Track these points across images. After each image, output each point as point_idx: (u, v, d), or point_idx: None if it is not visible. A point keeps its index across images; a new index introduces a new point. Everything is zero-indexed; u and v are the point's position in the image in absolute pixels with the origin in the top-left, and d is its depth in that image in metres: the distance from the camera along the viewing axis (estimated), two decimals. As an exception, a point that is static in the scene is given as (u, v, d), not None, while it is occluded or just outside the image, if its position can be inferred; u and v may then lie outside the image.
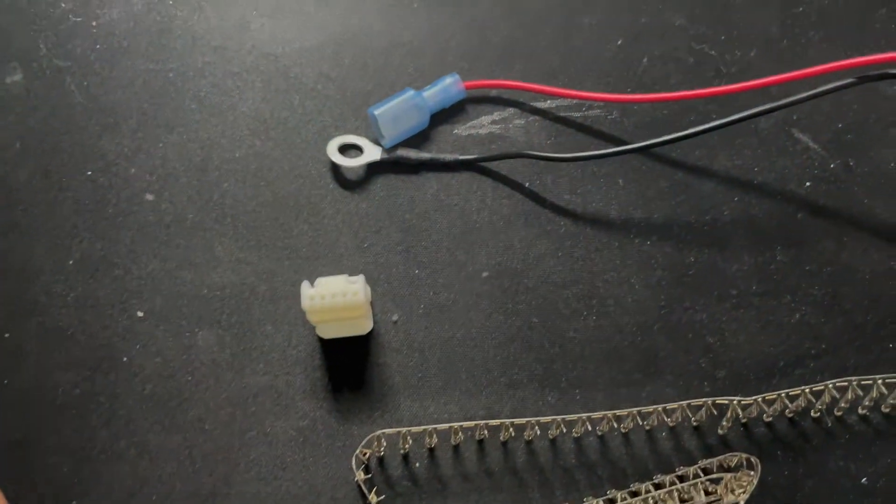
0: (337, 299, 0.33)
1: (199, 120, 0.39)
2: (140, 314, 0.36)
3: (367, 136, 0.39)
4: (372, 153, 0.39)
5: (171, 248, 0.37)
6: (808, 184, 0.39)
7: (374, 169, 0.39)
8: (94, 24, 0.41)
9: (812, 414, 0.35)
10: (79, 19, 0.41)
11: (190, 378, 0.36)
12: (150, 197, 0.38)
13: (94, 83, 0.40)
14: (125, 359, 0.36)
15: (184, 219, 0.38)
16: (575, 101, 0.40)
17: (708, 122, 0.37)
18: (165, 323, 0.36)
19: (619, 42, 0.41)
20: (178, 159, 0.39)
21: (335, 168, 0.39)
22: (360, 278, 0.33)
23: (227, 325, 0.36)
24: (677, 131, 0.37)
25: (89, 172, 0.38)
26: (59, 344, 0.36)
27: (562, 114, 0.40)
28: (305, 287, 0.33)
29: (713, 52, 0.41)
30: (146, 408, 0.35)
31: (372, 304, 0.37)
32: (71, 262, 0.37)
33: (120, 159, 0.39)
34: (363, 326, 0.36)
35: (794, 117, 0.40)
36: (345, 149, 0.39)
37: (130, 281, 0.37)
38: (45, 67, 0.40)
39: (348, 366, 0.36)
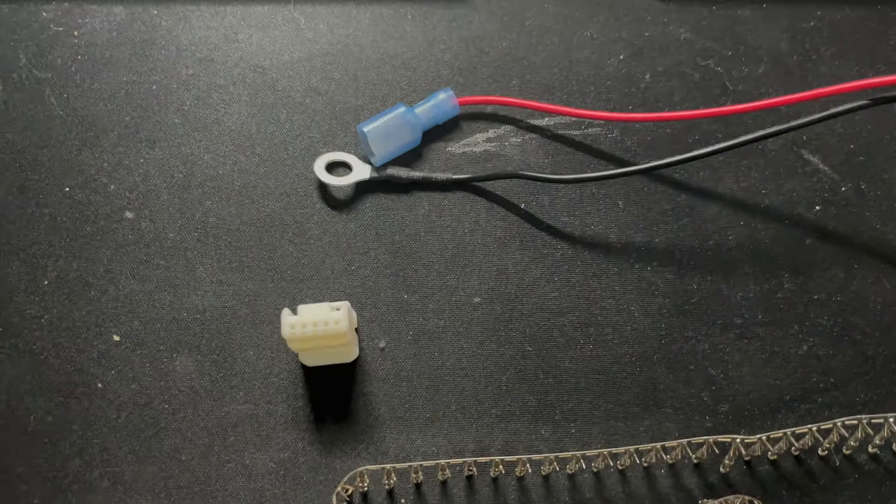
0: (319, 328, 0.31)
1: (183, 134, 0.38)
2: (116, 338, 0.35)
3: (356, 154, 0.37)
4: (361, 172, 0.37)
5: (150, 269, 0.36)
6: (817, 208, 0.37)
7: (363, 188, 0.37)
8: (75, 34, 0.39)
9: (819, 452, 0.34)
10: (60, 29, 0.39)
11: (167, 406, 0.34)
12: (129, 215, 0.37)
13: (74, 95, 0.38)
14: (100, 385, 0.34)
15: (164, 238, 0.36)
16: (574, 119, 0.38)
17: (713, 140, 0.36)
18: (142, 347, 0.35)
19: (622, 57, 0.39)
20: (159, 175, 0.37)
21: (322, 187, 0.37)
22: (344, 305, 0.32)
23: (206, 350, 0.35)
24: (681, 150, 0.35)
25: (67, 188, 0.37)
26: (31, 368, 0.34)
27: (560, 132, 0.38)
28: (286, 315, 0.31)
29: (719, 69, 0.39)
30: (121, 436, 0.34)
31: (358, 330, 0.35)
32: (46, 283, 0.36)
33: (99, 175, 0.37)
34: (348, 354, 0.34)
35: (804, 138, 0.38)
36: (333, 167, 0.37)
37: (107, 303, 0.35)
38: (24, 79, 0.39)
39: (332, 395, 0.34)
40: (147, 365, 0.35)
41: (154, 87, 0.39)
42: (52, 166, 0.37)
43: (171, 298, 0.35)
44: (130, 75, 0.39)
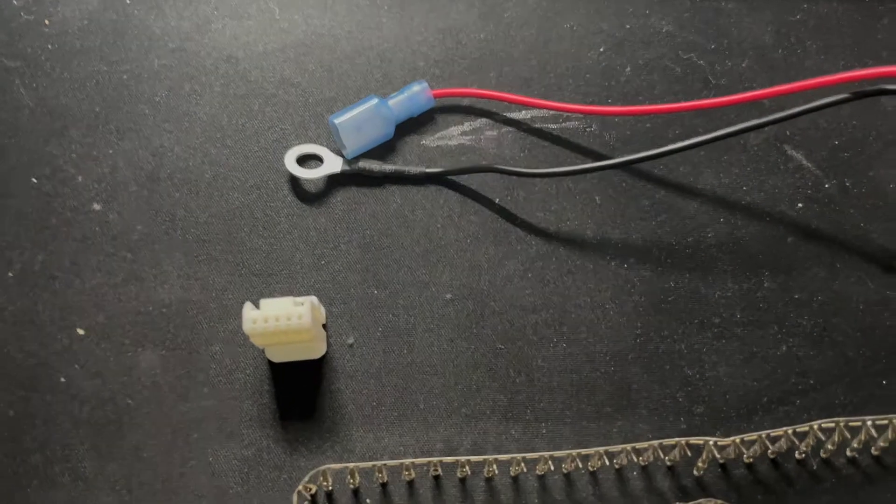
0: (281, 323, 0.30)
1: (153, 125, 0.37)
2: (81, 332, 0.34)
3: (328, 146, 0.37)
4: (332, 164, 0.36)
5: (116, 262, 0.35)
6: (799, 205, 0.36)
7: (334, 181, 0.37)
8: (46, 22, 0.39)
9: (796, 455, 0.33)
10: (30, 17, 0.39)
11: (130, 401, 0.34)
12: (97, 206, 0.36)
13: (43, 85, 0.38)
14: (63, 379, 0.34)
15: (131, 230, 0.36)
16: (551, 113, 0.38)
17: (694, 135, 0.34)
18: (107, 341, 0.34)
19: (601, 49, 0.38)
20: (128, 167, 0.37)
21: (294, 180, 0.37)
22: (308, 300, 0.31)
23: (171, 345, 0.34)
24: (661, 146, 0.35)
25: (34, 179, 0.36)
26: (-6, 361, 0.34)
27: (537, 125, 0.38)
28: (248, 309, 0.30)
29: (702, 62, 0.38)
30: (83, 432, 0.33)
31: (326, 325, 0.35)
32: (10, 275, 0.35)
33: (67, 166, 0.37)
34: (315, 350, 0.34)
35: (787, 133, 0.37)
36: (304, 159, 0.37)
37: (72, 296, 0.35)
38: (-7, 67, 0.38)
39: (299, 392, 0.34)
40: (111, 359, 0.34)
41: (125, 77, 0.38)
42: (19, 156, 0.37)
43: (137, 292, 0.35)
44: (101, 65, 0.38)
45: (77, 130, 0.37)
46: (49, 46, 0.38)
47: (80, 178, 0.36)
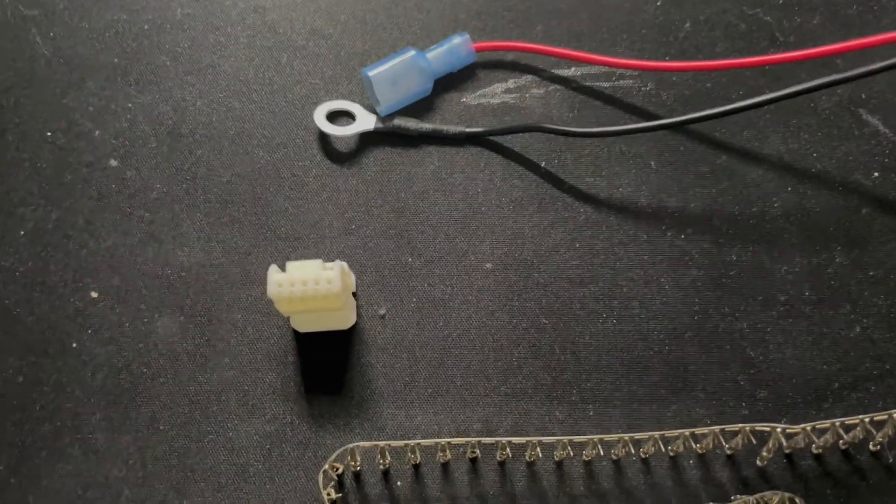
0: (309, 288, 0.28)
1: (174, 78, 0.35)
2: (94, 294, 0.32)
3: (360, 103, 0.34)
4: (365, 122, 0.34)
5: (133, 222, 0.33)
6: (875, 174, 0.33)
7: (367, 140, 0.34)
8: (64, -33, 0.36)
9: (871, 447, 0.30)
10: (48, -38, 0.36)
11: (145, 370, 0.31)
12: (114, 163, 0.34)
13: (61, 35, 0.36)
14: (75, 344, 0.32)
15: (150, 189, 0.33)
16: (603, 70, 0.35)
17: (759, 95, 0.31)
18: (122, 305, 0.32)
19: (658, 3, 0.35)
20: (147, 122, 0.34)
21: (323, 137, 0.34)
22: (338, 264, 0.28)
23: (191, 311, 0.32)
24: (722, 106, 0.31)
25: (49, 133, 0.34)
26: (2, 324, 0.32)
27: (587, 83, 0.35)
28: (273, 272, 0.28)
29: (768, 18, 0.35)
30: (95, 401, 0.31)
31: (357, 294, 0.32)
32: (22, 233, 0.33)
33: (84, 119, 0.34)
34: (344, 320, 0.31)
35: (863, 96, 0.34)
36: (335, 116, 0.34)
37: (86, 257, 0.33)
38: (9, 16, 0.36)
39: (326, 364, 0.31)
40: (126, 325, 0.32)
41: (146, 27, 0.36)
42: (35, 109, 0.35)
43: (155, 254, 0.33)
44: (121, 13, 0.36)
45: (95, 82, 0.35)
46: (67, -7, 0.36)
47: (96, 133, 0.34)
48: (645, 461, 0.30)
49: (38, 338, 0.32)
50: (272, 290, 0.28)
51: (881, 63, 0.30)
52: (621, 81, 0.35)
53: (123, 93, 0.35)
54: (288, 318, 0.31)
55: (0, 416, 0.31)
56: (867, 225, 0.33)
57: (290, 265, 0.28)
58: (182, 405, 0.31)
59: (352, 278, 0.32)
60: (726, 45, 0.35)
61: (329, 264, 0.28)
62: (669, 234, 0.33)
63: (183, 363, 0.31)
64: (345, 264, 0.30)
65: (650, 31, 0.35)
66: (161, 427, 0.31)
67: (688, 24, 0.35)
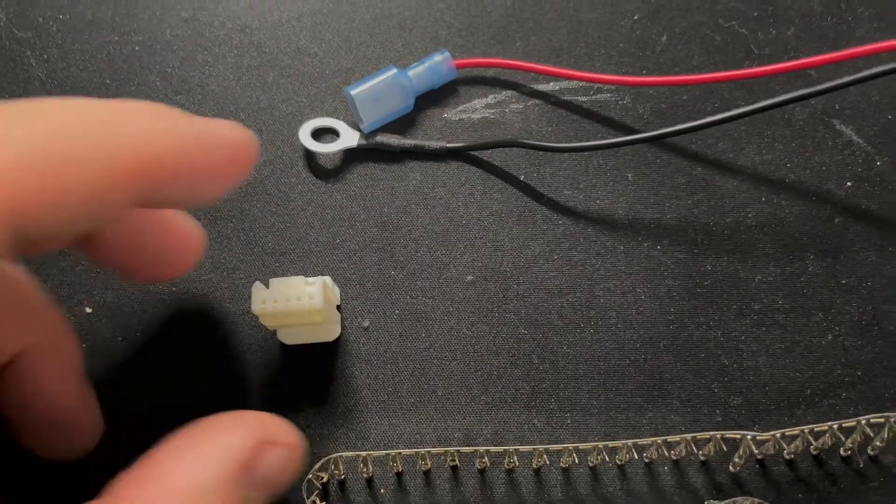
0: (292, 303, 0.29)
1: (164, 97, 0.36)
2: (89, 310, 0.33)
3: (344, 120, 0.35)
4: (349, 138, 0.35)
5: (125, 239, 0.34)
6: (848, 184, 0.34)
7: (350, 156, 0.35)
8: (57, -9, 0.37)
9: (841, 452, 0.30)
10: (41, -14, 0.37)
11: (138, 384, 0.32)
12: (106, 181, 0.35)
13: (54, 56, 0.37)
14: (70, 359, 0.33)
15: (141, 206, 0.34)
16: (581, 84, 0.35)
17: (735, 108, 0.32)
18: (115, 321, 0.33)
19: (636, 17, 0.36)
20: (138, 141, 0.35)
21: (308, 154, 0.35)
22: (320, 280, 0.29)
23: (180, 326, 0.33)
24: (698, 119, 0.32)
25: (43, 153, 0.35)
26: None
27: (566, 98, 0.35)
28: (257, 289, 0.29)
29: (744, 31, 0.36)
30: (89, 414, 0.32)
31: (341, 307, 0.33)
32: (18, 251, 0.34)
33: (77, 139, 0.35)
34: (329, 332, 0.32)
35: (836, 106, 0.35)
36: (320, 133, 0.35)
37: (81, 273, 0.34)
38: (4, 39, 0.37)
39: (312, 376, 0.32)
40: (119, 339, 0.33)
41: (137, 48, 0.37)
42: (29, 130, 0.36)
43: (147, 270, 0.34)
44: (112, 35, 0.37)
45: (87, 103, 0.36)
46: (60, 17, 0.37)
47: (89, 152, 0.35)
48: (621, 468, 0.31)
49: (35, 352, 0.33)
50: (256, 306, 0.29)
51: (854, 76, 0.31)
52: (599, 95, 0.35)
53: (115, 113, 0.36)
54: (274, 332, 0.32)
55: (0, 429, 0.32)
56: (840, 234, 0.33)
57: (273, 282, 0.29)
58: (172, 417, 0.32)
59: (336, 292, 0.33)
60: (702, 58, 0.36)
61: (311, 279, 0.29)
62: (646, 244, 0.33)
63: (173, 376, 0.32)
64: (328, 279, 0.31)
65: (627, 45, 0.36)
66: (151, 438, 0.32)
67: (664, 38, 0.36)
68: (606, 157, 0.34)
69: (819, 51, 0.35)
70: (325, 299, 0.29)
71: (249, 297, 0.32)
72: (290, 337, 0.32)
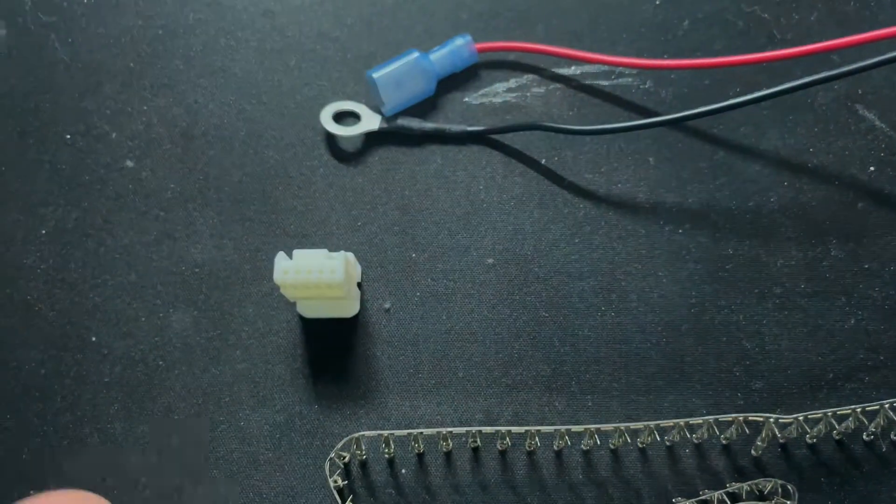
0: (313, 275, 0.29)
1: (187, 81, 0.36)
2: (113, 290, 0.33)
3: (366, 103, 0.35)
4: (370, 122, 0.35)
5: (149, 220, 0.34)
6: (871, 168, 0.34)
7: (372, 139, 0.35)
8: (81, -25, 0.38)
9: (864, 437, 0.30)
10: (66, -29, 0.38)
11: (161, 363, 0.33)
12: (130, 164, 0.35)
13: (79, 40, 0.37)
14: (94, 338, 0.33)
15: (164, 188, 0.35)
16: (603, 68, 0.35)
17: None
18: (139, 301, 0.33)
19: (657, 2, 0.36)
20: (162, 124, 0.36)
21: (330, 137, 0.35)
22: (342, 255, 0.29)
23: (204, 306, 0.33)
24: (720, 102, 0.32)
25: (68, 136, 0.36)
26: (25, 319, 0.33)
27: (587, 82, 0.35)
28: (280, 259, 0.29)
29: (766, 15, 0.36)
30: (113, 392, 0.32)
31: (363, 287, 0.33)
32: (44, 232, 0.34)
33: (101, 122, 0.36)
34: (348, 308, 0.32)
35: (859, 91, 0.35)
36: (341, 116, 0.35)
37: (104, 254, 0.34)
38: (29, 23, 0.37)
39: (333, 356, 0.32)
40: (142, 319, 0.33)
41: (160, 32, 0.37)
42: (54, 113, 0.36)
43: (170, 251, 0.34)
44: (136, 20, 0.37)
45: (111, 86, 0.36)
46: (85, 1, 0.37)
47: (113, 135, 0.35)
48: (642, 450, 0.31)
49: (59, 332, 0.33)
50: (278, 276, 0.29)
51: (877, 58, 0.31)
52: (620, 80, 0.35)
53: (139, 96, 0.36)
54: (295, 308, 0.32)
55: (23, 407, 0.32)
56: (863, 218, 0.33)
57: (297, 253, 0.30)
58: (196, 396, 0.32)
59: (357, 269, 0.33)
60: (724, 43, 0.36)
61: (334, 254, 0.30)
62: (667, 228, 0.33)
63: (196, 356, 0.33)
64: (351, 255, 0.31)
65: (649, 29, 0.36)
66: (176, 417, 0.32)
67: (686, 23, 0.36)
68: (628, 140, 0.34)
69: (842, 35, 0.35)
70: (347, 274, 0.29)
71: (271, 279, 0.32)
72: (309, 310, 0.32)
